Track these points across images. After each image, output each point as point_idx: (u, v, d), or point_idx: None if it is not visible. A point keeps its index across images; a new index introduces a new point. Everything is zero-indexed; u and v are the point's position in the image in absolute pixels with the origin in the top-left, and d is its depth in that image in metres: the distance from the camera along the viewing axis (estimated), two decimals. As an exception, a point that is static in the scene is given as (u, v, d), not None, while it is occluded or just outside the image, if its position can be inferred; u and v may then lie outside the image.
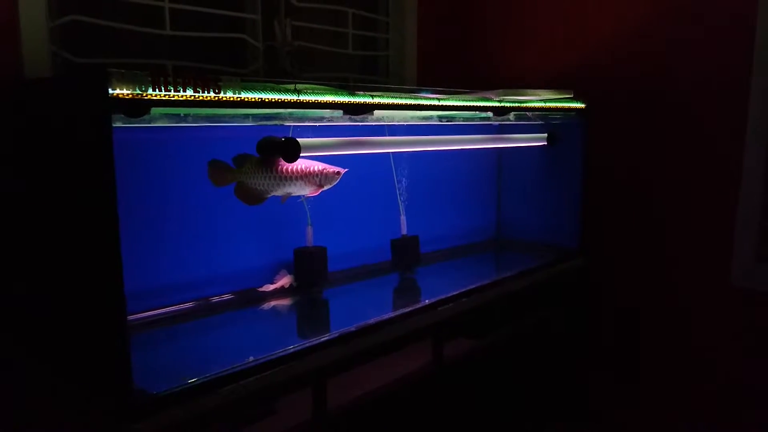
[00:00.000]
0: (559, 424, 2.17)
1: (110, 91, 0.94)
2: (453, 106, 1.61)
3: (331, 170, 1.51)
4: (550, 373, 2.07)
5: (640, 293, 2.14)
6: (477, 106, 1.70)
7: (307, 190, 1.49)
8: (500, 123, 2.04)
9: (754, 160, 1.85)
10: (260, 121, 1.39)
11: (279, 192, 1.46)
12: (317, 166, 1.49)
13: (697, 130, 1.96)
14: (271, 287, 1.61)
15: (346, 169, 1.54)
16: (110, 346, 1.01)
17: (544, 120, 2.07)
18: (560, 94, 1.90)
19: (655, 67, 2.02)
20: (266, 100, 1.17)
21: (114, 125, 0.95)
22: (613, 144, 2.14)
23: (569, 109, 2.01)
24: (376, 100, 1.40)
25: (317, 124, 1.48)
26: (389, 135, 1.69)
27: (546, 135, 2.08)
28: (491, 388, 1.81)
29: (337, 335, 1.32)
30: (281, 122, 1.44)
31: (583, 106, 2.03)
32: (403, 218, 1.85)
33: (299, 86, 1.24)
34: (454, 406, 1.67)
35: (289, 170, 1.44)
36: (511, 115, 1.85)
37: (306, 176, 1.47)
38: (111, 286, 0.98)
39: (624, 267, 2.16)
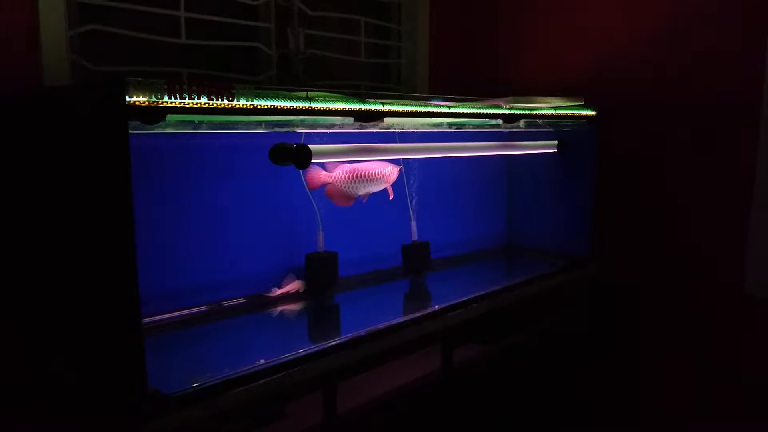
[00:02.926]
0: (571, 431, 2.16)
1: (127, 98, 0.97)
2: (463, 113, 1.62)
3: (397, 168, 1.68)
4: (561, 380, 2.07)
5: (652, 301, 2.13)
6: (487, 113, 1.71)
7: (382, 188, 1.66)
8: (510, 130, 2.05)
9: (767, 167, 1.84)
10: (273, 128, 1.42)
11: (361, 191, 1.62)
12: (388, 166, 1.66)
13: (709, 137, 1.96)
14: (277, 291, 1.63)
15: (400, 166, 1.70)
16: (125, 347, 1.03)
17: (554, 127, 2.07)
18: (571, 101, 1.91)
19: (666, 74, 2.02)
20: (278, 108, 1.19)
21: (130, 132, 0.97)
22: (623, 151, 2.14)
23: (580, 117, 2.01)
24: (387, 108, 1.42)
25: (328, 131, 1.50)
26: (400, 142, 1.71)
27: (556, 142, 2.08)
28: (501, 395, 1.81)
29: (347, 339, 1.34)
30: (293, 129, 1.46)
31: (593, 113, 2.04)
32: (413, 224, 1.86)
33: (311, 94, 1.26)
34: (463, 412, 1.68)
35: (370, 172, 1.62)
36: (522, 123, 1.86)
37: (381, 176, 1.64)
38: (126, 289, 1.01)
39: (635, 275, 2.16)
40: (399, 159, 1.82)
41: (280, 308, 1.62)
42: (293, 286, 1.64)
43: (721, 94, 1.92)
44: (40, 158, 1.24)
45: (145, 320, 1.37)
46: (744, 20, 1.86)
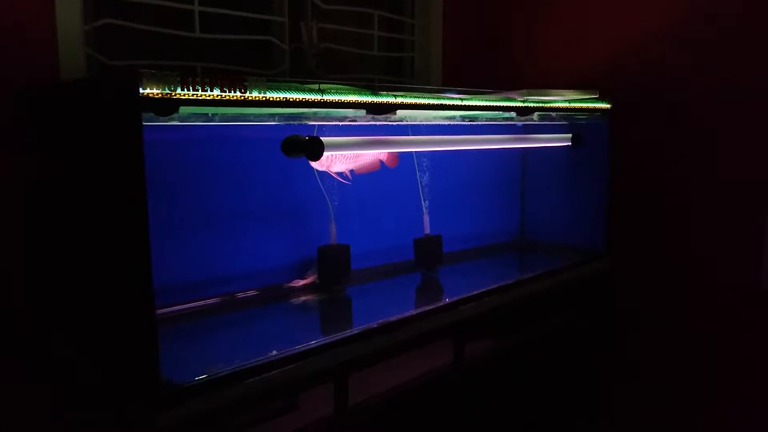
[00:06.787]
0: (581, 425, 2.15)
1: (141, 90, 0.97)
2: (476, 105, 1.61)
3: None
4: (573, 375, 2.06)
5: (665, 296, 2.11)
6: (500, 106, 1.70)
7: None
8: (524, 123, 2.04)
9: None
10: (285, 121, 1.42)
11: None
12: None
13: (726, 129, 1.93)
14: (300, 282, 1.66)
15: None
16: (139, 338, 1.05)
17: (568, 120, 2.06)
18: (585, 94, 1.89)
19: (683, 68, 2.00)
20: (291, 100, 1.20)
21: (144, 124, 0.98)
22: (639, 145, 2.11)
23: (594, 110, 2.00)
24: (399, 100, 1.42)
25: (340, 124, 1.50)
26: (412, 135, 1.70)
27: (570, 135, 2.07)
28: (512, 388, 1.81)
29: (359, 332, 1.34)
30: (305, 121, 1.47)
31: (608, 106, 2.02)
32: (426, 218, 1.86)
33: (323, 86, 1.26)
34: (474, 405, 1.67)
35: None
36: (535, 116, 1.85)
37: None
38: (140, 280, 1.02)
39: (649, 269, 2.14)
40: (412, 152, 1.82)
41: (292, 301, 1.63)
42: (314, 278, 1.66)
43: (738, 87, 1.89)
44: (57, 151, 1.26)
45: (159, 311, 1.38)
46: (760, 16, 1.82)
